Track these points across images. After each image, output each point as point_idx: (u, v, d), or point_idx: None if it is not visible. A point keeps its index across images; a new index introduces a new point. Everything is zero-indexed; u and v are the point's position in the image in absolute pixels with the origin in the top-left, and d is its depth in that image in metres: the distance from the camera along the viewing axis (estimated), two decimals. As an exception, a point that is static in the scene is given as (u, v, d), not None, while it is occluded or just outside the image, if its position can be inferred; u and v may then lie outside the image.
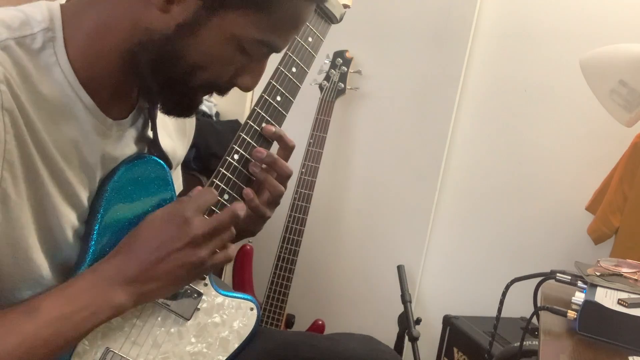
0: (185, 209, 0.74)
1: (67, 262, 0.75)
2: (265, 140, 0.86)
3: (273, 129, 0.85)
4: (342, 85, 1.90)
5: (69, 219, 0.73)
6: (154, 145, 0.83)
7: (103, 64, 0.70)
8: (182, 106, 0.76)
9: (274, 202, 0.87)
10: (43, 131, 0.66)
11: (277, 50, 0.74)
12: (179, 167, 0.98)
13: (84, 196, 0.74)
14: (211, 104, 2.19)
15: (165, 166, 0.82)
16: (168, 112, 0.76)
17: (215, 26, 0.67)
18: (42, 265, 0.71)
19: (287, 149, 0.87)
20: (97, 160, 0.74)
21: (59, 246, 0.73)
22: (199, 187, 0.82)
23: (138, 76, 0.71)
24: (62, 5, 0.71)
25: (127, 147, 0.79)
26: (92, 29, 0.69)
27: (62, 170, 0.69)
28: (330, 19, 0.93)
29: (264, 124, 0.85)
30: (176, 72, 0.70)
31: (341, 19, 0.95)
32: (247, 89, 0.75)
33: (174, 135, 0.91)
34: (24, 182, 0.66)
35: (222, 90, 0.75)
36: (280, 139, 0.86)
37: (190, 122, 0.96)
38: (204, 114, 2.14)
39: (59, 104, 0.68)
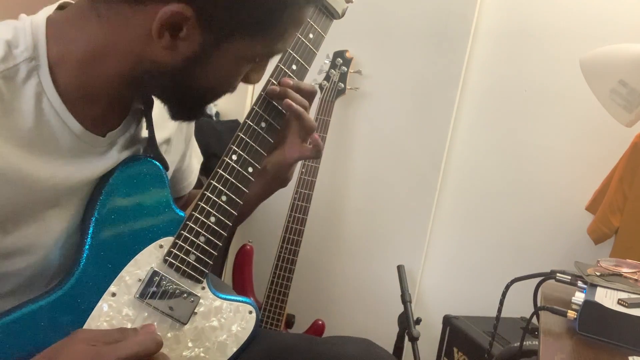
0: (107, 354, 0.63)
1: (58, 275, 0.75)
2: (266, 140, 0.85)
3: (277, 88, 0.85)
4: (342, 85, 1.90)
5: (61, 241, 0.73)
6: (150, 145, 0.81)
7: (99, 85, 0.69)
8: (190, 114, 0.78)
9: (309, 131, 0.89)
10: (23, 165, 0.65)
11: (282, 52, 0.78)
12: (194, 140, 0.99)
13: (75, 211, 0.74)
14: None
15: (160, 167, 0.80)
16: (174, 117, 0.77)
17: (224, 53, 0.68)
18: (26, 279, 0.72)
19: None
20: (87, 180, 0.74)
21: (48, 263, 0.73)
22: (151, 326, 0.73)
23: (146, 95, 0.73)
24: (48, 20, 0.68)
25: (120, 154, 0.78)
26: (85, 55, 0.67)
27: (47, 197, 0.69)
28: (331, 14, 0.90)
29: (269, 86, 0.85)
30: (190, 94, 0.72)
31: (343, 14, 0.91)
32: (252, 83, 0.77)
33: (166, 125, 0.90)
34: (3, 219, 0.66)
35: (230, 92, 0.77)
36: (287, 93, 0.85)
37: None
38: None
39: (43, 135, 0.67)
